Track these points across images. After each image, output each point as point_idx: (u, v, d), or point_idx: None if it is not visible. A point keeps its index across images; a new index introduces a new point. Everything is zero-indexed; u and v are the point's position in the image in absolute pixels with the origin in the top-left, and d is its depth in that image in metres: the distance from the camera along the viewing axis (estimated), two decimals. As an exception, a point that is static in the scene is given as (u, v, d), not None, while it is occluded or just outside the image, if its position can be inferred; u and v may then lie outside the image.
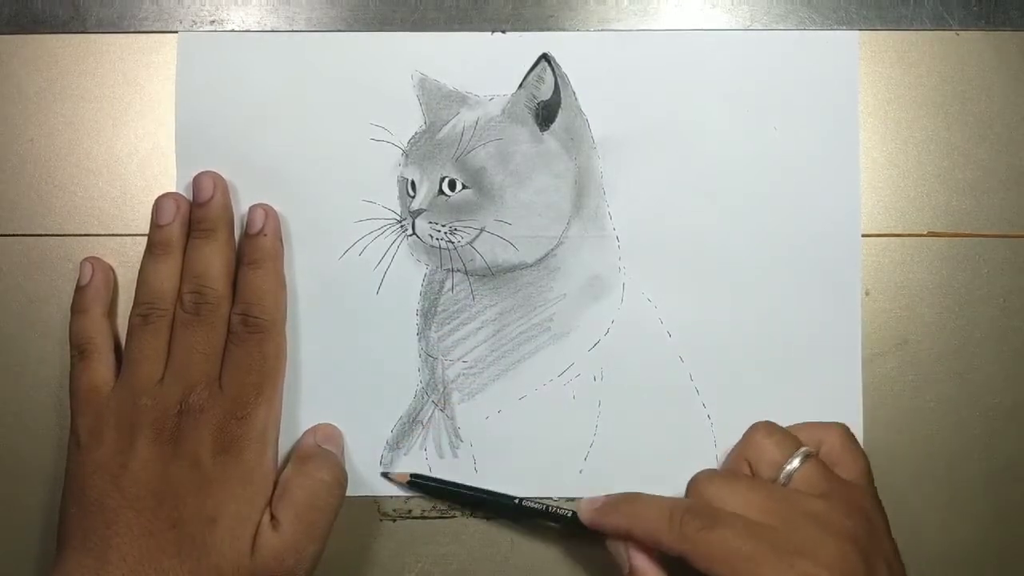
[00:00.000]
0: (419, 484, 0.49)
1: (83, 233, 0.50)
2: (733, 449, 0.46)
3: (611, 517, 0.44)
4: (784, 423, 0.47)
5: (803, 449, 0.44)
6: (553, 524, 0.48)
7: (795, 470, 0.43)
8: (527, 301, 0.49)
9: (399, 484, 0.49)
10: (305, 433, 0.49)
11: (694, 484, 0.44)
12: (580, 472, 0.49)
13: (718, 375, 0.49)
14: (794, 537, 0.40)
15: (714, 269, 0.49)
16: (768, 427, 0.46)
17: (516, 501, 0.48)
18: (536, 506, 0.47)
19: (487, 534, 0.49)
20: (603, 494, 0.45)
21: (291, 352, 0.49)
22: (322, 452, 0.47)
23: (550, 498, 0.49)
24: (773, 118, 0.49)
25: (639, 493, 0.45)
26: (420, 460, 0.49)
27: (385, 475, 0.49)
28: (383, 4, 0.50)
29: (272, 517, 0.45)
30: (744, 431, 0.46)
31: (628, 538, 0.43)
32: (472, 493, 0.48)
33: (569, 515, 0.46)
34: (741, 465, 0.45)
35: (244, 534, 0.44)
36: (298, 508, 0.45)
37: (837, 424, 0.46)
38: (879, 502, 0.44)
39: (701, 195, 0.49)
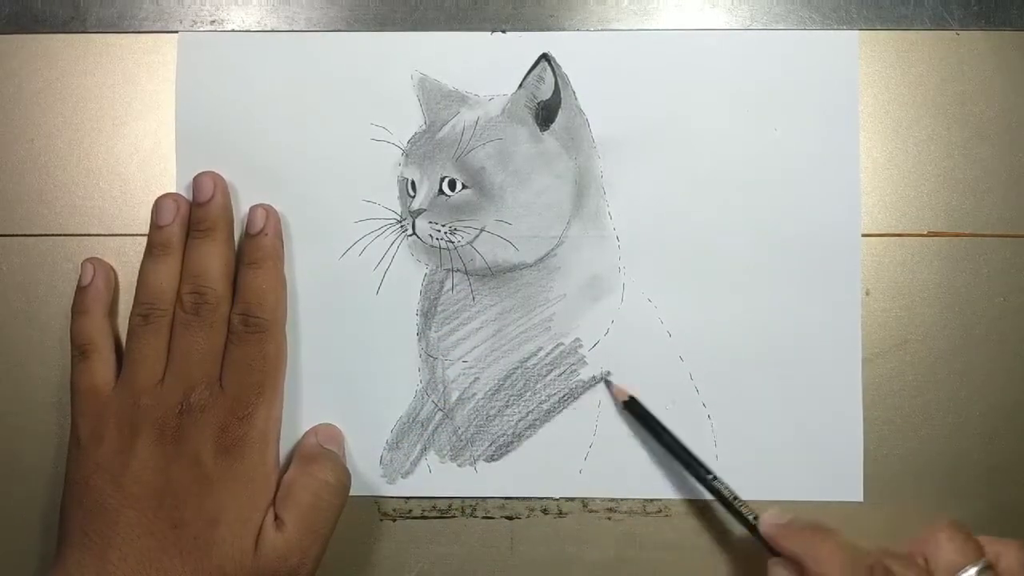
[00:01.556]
0: (634, 409, 0.48)
1: (83, 233, 0.50)
2: (913, 541, 0.45)
3: (792, 542, 0.44)
4: (784, 422, 0.47)
5: (983, 560, 0.43)
6: (733, 516, 0.47)
7: None
8: (527, 301, 0.49)
9: (616, 400, 0.48)
10: (307, 433, 0.49)
11: (876, 553, 0.43)
12: (580, 472, 0.49)
13: (718, 375, 0.49)
14: None
15: (714, 269, 0.49)
16: (953, 528, 0.45)
17: (710, 477, 0.47)
18: (724, 491, 0.47)
19: (487, 534, 0.49)
20: (789, 513, 0.45)
21: (291, 352, 0.49)
22: (325, 453, 0.47)
23: (550, 497, 0.49)
24: (773, 118, 0.49)
25: (827, 528, 0.44)
26: (420, 460, 0.49)
27: (607, 383, 0.49)
28: (383, 4, 0.50)
29: (276, 517, 0.45)
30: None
31: (798, 569, 0.43)
32: (676, 444, 0.48)
33: (752, 518, 0.46)
34: (916, 558, 0.44)
35: (246, 534, 0.44)
36: (302, 509, 0.45)
37: (1020, 542, 0.45)
38: None
39: (701, 195, 0.49)
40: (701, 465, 0.47)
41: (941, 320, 0.49)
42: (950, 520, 0.45)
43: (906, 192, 0.50)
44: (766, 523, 0.45)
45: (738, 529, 0.48)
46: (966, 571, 0.43)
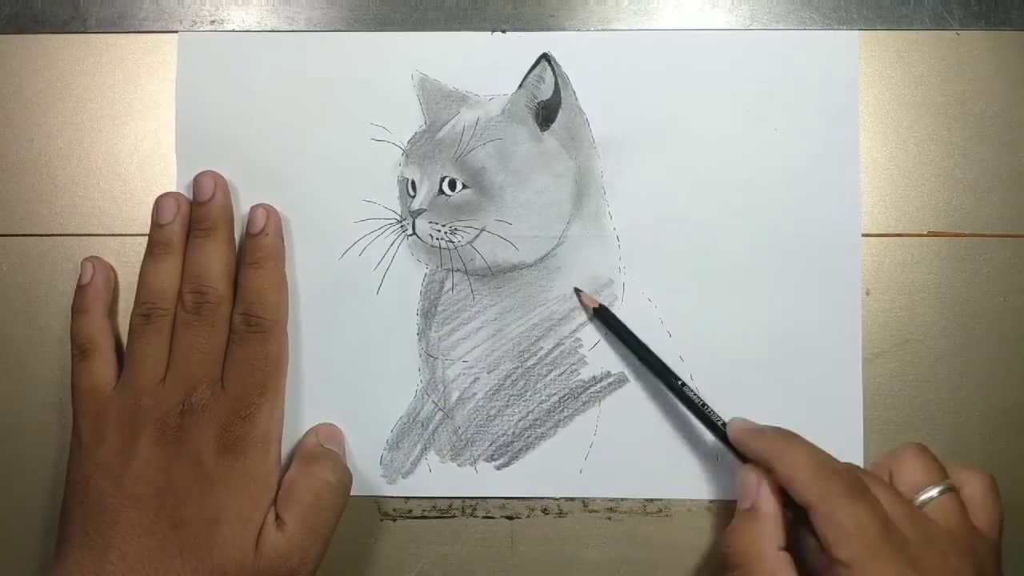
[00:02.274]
0: (605, 317, 0.48)
1: (83, 233, 0.50)
2: (880, 456, 0.46)
3: (759, 443, 0.44)
4: (784, 423, 0.47)
5: (947, 481, 0.44)
6: (703, 424, 0.47)
7: (932, 499, 0.43)
8: (527, 301, 0.49)
9: (586, 308, 0.49)
10: (307, 433, 0.49)
11: (847, 466, 0.43)
12: (580, 472, 0.49)
13: (718, 375, 0.49)
14: (918, 553, 0.40)
15: (714, 269, 0.49)
16: (919, 448, 0.45)
17: (679, 383, 0.47)
18: (693, 397, 0.47)
19: (487, 534, 0.49)
20: (761, 423, 0.46)
21: (291, 352, 0.49)
22: (326, 453, 0.47)
23: (550, 497, 0.49)
24: (773, 118, 0.49)
25: (796, 434, 0.44)
26: (420, 460, 0.49)
27: (577, 291, 0.49)
28: (383, 4, 0.50)
29: (277, 517, 0.45)
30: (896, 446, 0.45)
31: (766, 469, 0.43)
32: (645, 353, 0.48)
33: (720, 424, 0.46)
34: (882, 473, 0.45)
35: (247, 534, 0.44)
36: (303, 509, 0.45)
37: (984, 472, 0.45)
38: (999, 561, 0.43)
39: (701, 195, 0.49)
40: (670, 372, 0.47)
41: (941, 320, 0.49)
42: (915, 443, 0.46)
43: (906, 192, 0.50)
44: (735, 428, 0.46)
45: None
46: (928, 491, 0.43)
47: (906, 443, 0.46)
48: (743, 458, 0.45)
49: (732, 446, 0.46)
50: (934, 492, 0.43)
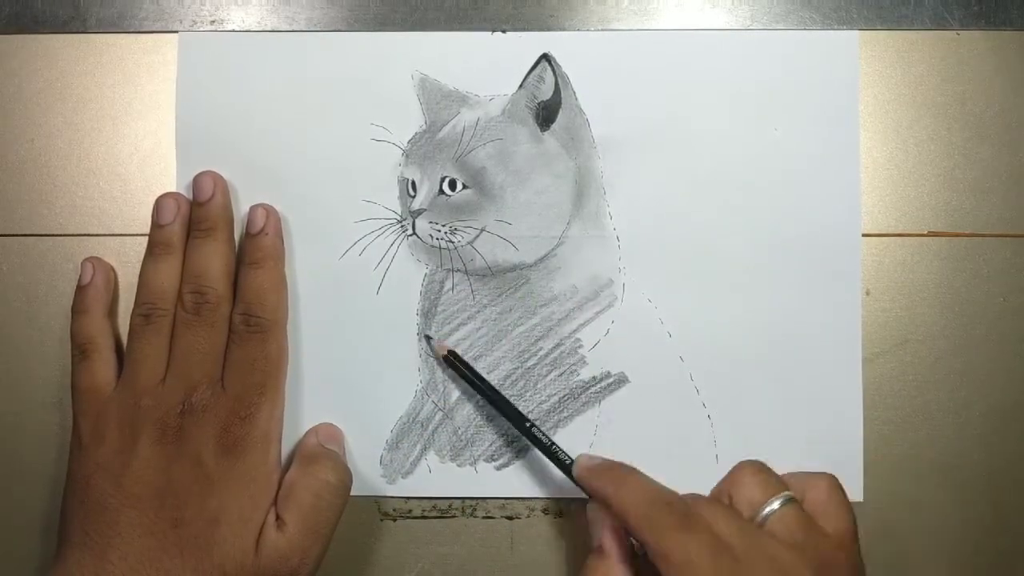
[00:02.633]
0: (453, 363, 0.48)
1: (83, 233, 0.50)
2: (719, 483, 0.46)
3: (598, 482, 0.44)
4: (784, 422, 0.47)
5: (785, 493, 0.43)
6: (553, 463, 0.47)
7: (772, 512, 0.42)
8: (527, 301, 0.49)
9: (436, 356, 0.49)
10: (307, 433, 0.49)
11: (679, 497, 0.43)
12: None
13: (718, 375, 0.49)
14: (750, 570, 0.39)
15: (714, 269, 0.49)
16: (755, 466, 0.45)
17: (528, 425, 0.47)
18: (542, 438, 0.47)
19: (487, 534, 0.49)
20: (606, 458, 0.45)
21: (291, 352, 0.49)
22: (327, 453, 0.47)
23: (550, 497, 0.49)
24: (773, 118, 0.49)
25: (636, 470, 0.44)
26: (420, 460, 0.49)
27: (427, 338, 0.49)
28: (383, 4, 0.50)
29: (277, 517, 0.45)
30: (740, 443, 0.45)
31: (606, 508, 0.43)
32: (492, 394, 0.48)
33: (568, 462, 0.46)
34: (722, 498, 0.44)
35: (247, 534, 0.44)
36: (304, 510, 0.45)
37: (826, 475, 0.45)
38: (858, 562, 0.43)
39: (701, 195, 0.49)
40: (519, 414, 0.47)
41: (941, 320, 0.49)
42: (751, 460, 0.45)
43: (906, 192, 0.50)
44: (580, 466, 0.45)
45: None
46: (768, 505, 0.42)
47: (741, 462, 0.45)
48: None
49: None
50: (775, 505, 0.42)
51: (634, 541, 0.42)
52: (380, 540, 0.49)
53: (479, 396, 0.48)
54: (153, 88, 0.50)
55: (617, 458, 0.49)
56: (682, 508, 0.41)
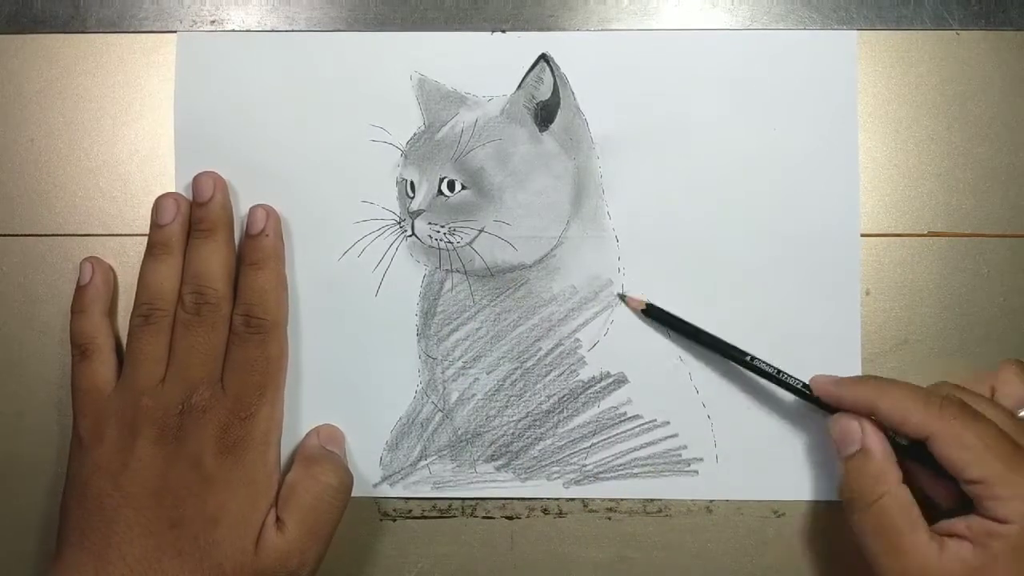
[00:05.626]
0: (655, 313, 0.49)
1: (83, 233, 0.50)
2: (978, 376, 0.47)
3: (855, 390, 0.45)
4: (784, 422, 0.47)
5: None
6: (783, 389, 0.47)
7: None
8: (526, 302, 0.49)
9: (633, 310, 0.49)
10: (308, 434, 0.49)
11: (945, 386, 0.45)
12: (580, 472, 0.49)
13: (718, 375, 0.49)
14: None
15: (713, 269, 0.49)
16: (1020, 365, 0.47)
17: (748, 358, 0.47)
18: (767, 368, 0.47)
19: (487, 534, 0.49)
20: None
21: (291, 352, 0.49)
22: (327, 454, 0.47)
23: (550, 497, 0.49)
24: (773, 118, 0.49)
25: (883, 377, 0.46)
26: (420, 460, 0.49)
27: (622, 296, 0.49)
28: (383, 4, 0.50)
29: (277, 519, 0.45)
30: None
31: (869, 413, 0.44)
32: (706, 337, 0.48)
33: (799, 386, 0.47)
34: (983, 390, 0.46)
35: (247, 534, 0.44)
36: (304, 511, 0.45)
37: None
38: None
39: (700, 195, 0.49)
40: (737, 349, 0.48)
41: (941, 320, 0.49)
42: (1015, 359, 0.47)
43: (906, 192, 0.50)
44: (822, 383, 0.46)
45: (736, 530, 0.49)
46: None
47: (1004, 360, 0.48)
48: (830, 410, 0.46)
49: (819, 402, 0.46)
50: None
51: (899, 438, 0.44)
52: (380, 540, 0.49)
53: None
54: (153, 88, 0.50)
55: (617, 458, 0.49)
56: (960, 401, 0.43)
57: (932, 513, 0.43)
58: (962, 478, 0.41)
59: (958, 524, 0.42)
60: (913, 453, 0.43)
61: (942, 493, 0.43)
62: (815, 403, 0.46)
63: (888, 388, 0.44)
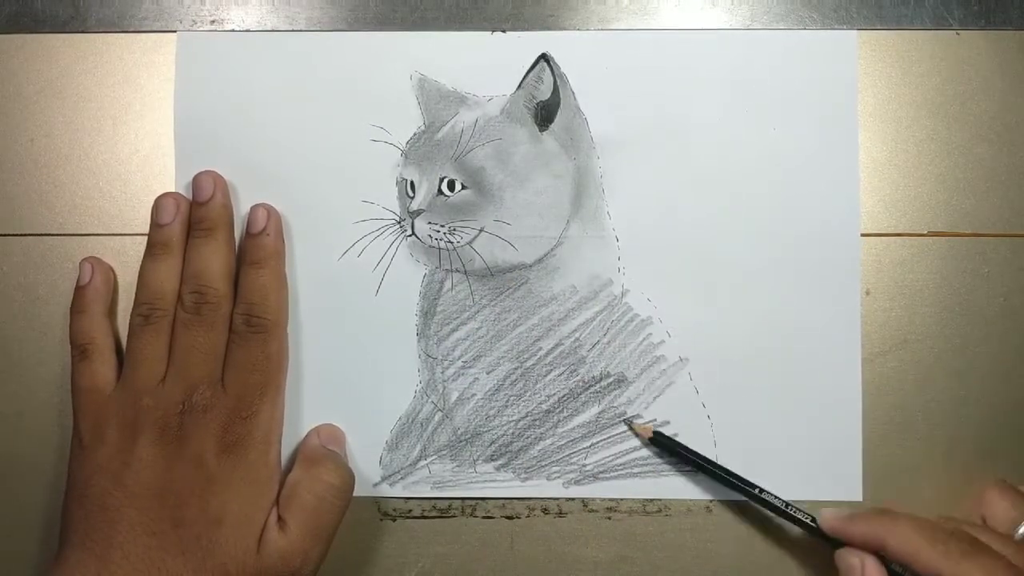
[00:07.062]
0: (661, 443, 0.48)
1: (83, 233, 0.50)
2: (968, 503, 0.48)
3: (862, 527, 0.45)
4: (784, 422, 0.47)
5: None
6: (788, 521, 0.47)
7: None
8: (526, 301, 0.49)
9: (640, 437, 0.49)
10: (309, 434, 0.49)
11: (949, 520, 0.45)
12: (580, 472, 0.49)
13: (718, 375, 0.49)
14: None
15: (714, 269, 0.49)
16: (1001, 486, 0.48)
17: (756, 491, 0.47)
18: (775, 502, 0.47)
19: (487, 534, 0.49)
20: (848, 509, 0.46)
21: (291, 352, 0.49)
22: (329, 454, 0.47)
23: (550, 497, 0.49)
24: (773, 118, 0.49)
25: (889, 509, 0.45)
26: (420, 460, 0.49)
27: (628, 423, 0.49)
28: (383, 4, 0.50)
29: (279, 519, 0.45)
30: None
31: (878, 550, 0.44)
32: (713, 467, 0.48)
33: (809, 520, 0.46)
34: (974, 519, 0.47)
35: (249, 534, 0.44)
36: (306, 511, 0.45)
37: None
38: None
39: (700, 194, 0.49)
40: (746, 481, 0.48)
41: (941, 320, 0.49)
42: (996, 480, 0.48)
43: (906, 192, 0.50)
44: (829, 519, 0.46)
45: (736, 530, 0.49)
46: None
47: (987, 485, 0.48)
48: (835, 544, 0.45)
49: (826, 537, 0.46)
50: None
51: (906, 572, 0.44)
52: (380, 540, 0.49)
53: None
54: (153, 88, 0.50)
55: (617, 458, 0.49)
56: (965, 537, 0.43)
57: None
58: None
59: None
60: None
61: None
62: (823, 539, 0.46)
63: (895, 525, 0.44)
